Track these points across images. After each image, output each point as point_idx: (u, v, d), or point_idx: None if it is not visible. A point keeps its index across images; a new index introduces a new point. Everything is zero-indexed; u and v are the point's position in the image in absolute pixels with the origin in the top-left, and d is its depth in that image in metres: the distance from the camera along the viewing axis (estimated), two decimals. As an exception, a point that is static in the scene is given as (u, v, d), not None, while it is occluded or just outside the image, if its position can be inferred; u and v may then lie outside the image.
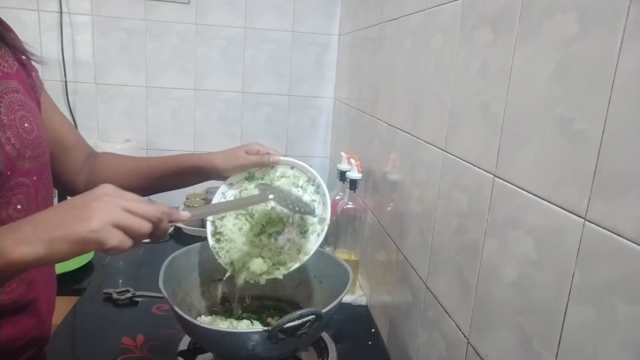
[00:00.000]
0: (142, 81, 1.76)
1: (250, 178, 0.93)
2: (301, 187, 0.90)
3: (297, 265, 0.82)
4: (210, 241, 0.88)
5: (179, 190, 0.99)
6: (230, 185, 0.93)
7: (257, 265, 0.83)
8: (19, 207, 0.69)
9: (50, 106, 0.85)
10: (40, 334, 0.78)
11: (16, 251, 0.52)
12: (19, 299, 0.72)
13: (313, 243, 0.84)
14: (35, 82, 0.80)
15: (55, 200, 0.99)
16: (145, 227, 0.58)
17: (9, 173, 0.67)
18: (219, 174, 0.91)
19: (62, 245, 0.53)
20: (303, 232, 0.86)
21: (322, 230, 0.84)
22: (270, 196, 0.79)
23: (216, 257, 0.86)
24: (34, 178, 0.72)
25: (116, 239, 0.55)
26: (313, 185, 0.90)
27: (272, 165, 0.92)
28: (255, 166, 0.91)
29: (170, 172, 0.92)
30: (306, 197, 0.88)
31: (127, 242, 0.56)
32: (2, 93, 0.69)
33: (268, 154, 0.91)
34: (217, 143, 1.78)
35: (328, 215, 0.85)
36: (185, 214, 0.66)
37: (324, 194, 0.87)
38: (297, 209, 0.79)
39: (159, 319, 1.07)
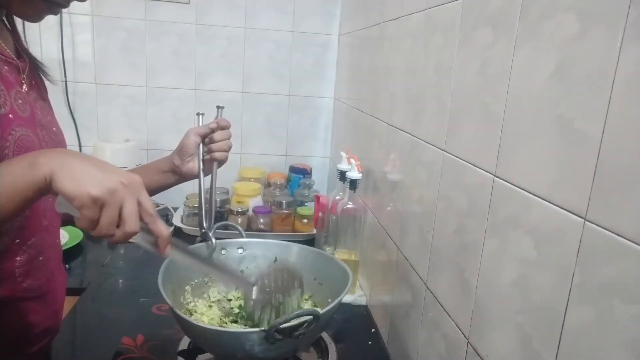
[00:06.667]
0: (142, 81, 1.76)
1: None
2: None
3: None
4: None
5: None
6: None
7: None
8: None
9: None
10: (53, 325, 0.83)
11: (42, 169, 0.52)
12: (42, 286, 0.77)
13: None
14: (48, 95, 0.87)
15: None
16: (134, 227, 0.55)
17: None
18: (179, 168, 1.01)
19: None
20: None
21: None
22: (255, 285, 0.85)
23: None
24: None
25: (109, 217, 0.53)
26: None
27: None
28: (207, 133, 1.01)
29: (156, 178, 1.01)
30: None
31: (111, 229, 0.54)
32: (35, 99, 0.77)
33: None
34: (217, 143, 1.78)
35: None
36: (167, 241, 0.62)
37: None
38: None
39: (159, 319, 1.07)
